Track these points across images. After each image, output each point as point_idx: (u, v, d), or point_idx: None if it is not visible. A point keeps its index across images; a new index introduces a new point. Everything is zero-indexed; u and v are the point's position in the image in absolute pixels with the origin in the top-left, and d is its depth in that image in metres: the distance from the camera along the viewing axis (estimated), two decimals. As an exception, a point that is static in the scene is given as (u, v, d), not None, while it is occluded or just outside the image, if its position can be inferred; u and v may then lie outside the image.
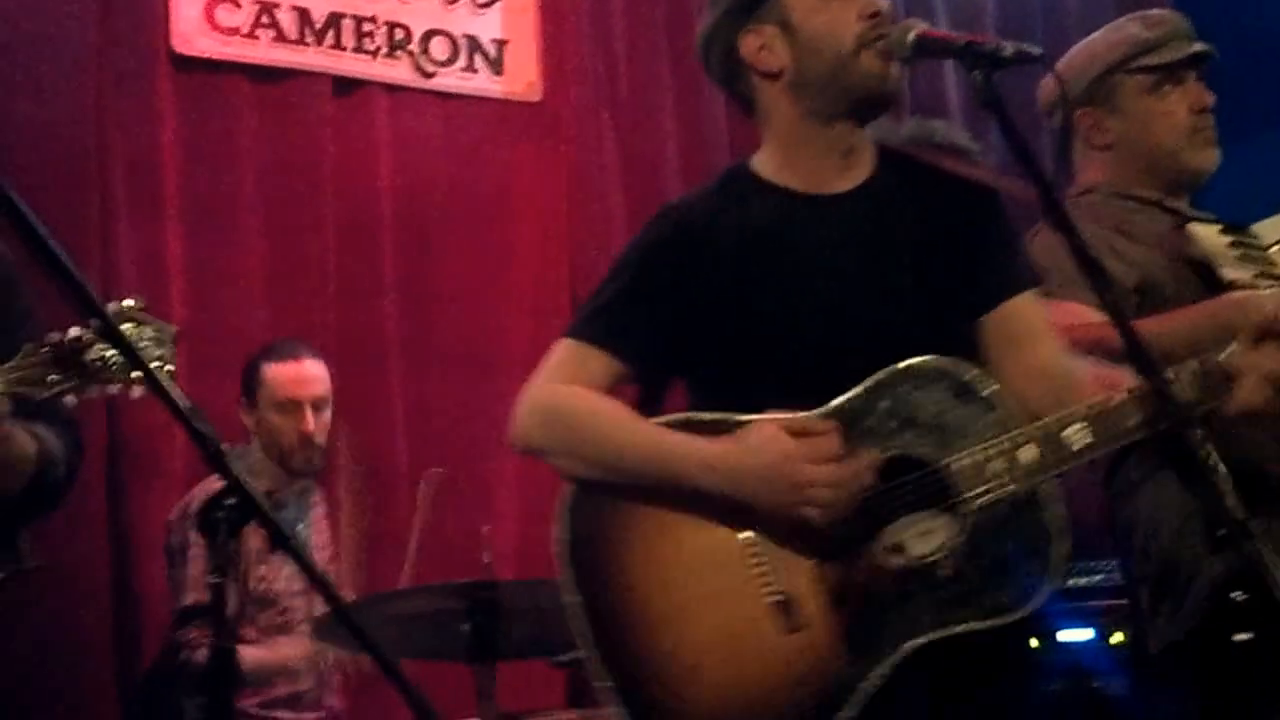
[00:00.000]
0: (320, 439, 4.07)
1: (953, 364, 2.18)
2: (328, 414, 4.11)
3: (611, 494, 2.22)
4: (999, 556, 2.11)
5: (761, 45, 2.31)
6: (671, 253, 2.30)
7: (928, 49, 2.20)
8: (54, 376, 2.14)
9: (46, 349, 2.15)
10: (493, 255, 4.96)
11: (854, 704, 2.09)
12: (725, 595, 2.15)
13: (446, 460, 4.76)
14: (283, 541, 2.01)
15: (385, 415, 4.63)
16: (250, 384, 4.08)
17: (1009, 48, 2.05)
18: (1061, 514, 2.13)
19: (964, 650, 2.12)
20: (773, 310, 2.25)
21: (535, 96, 5.06)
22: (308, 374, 4.09)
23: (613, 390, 2.28)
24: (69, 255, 1.70)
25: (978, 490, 2.12)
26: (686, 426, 2.21)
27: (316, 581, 2.13)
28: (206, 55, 4.57)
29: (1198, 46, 2.90)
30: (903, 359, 2.17)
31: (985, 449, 2.12)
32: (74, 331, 2.13)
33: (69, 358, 2.14)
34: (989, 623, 2.09)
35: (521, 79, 5.04)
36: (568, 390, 2.27)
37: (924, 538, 2.14)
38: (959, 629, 2.10)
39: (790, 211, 2.30)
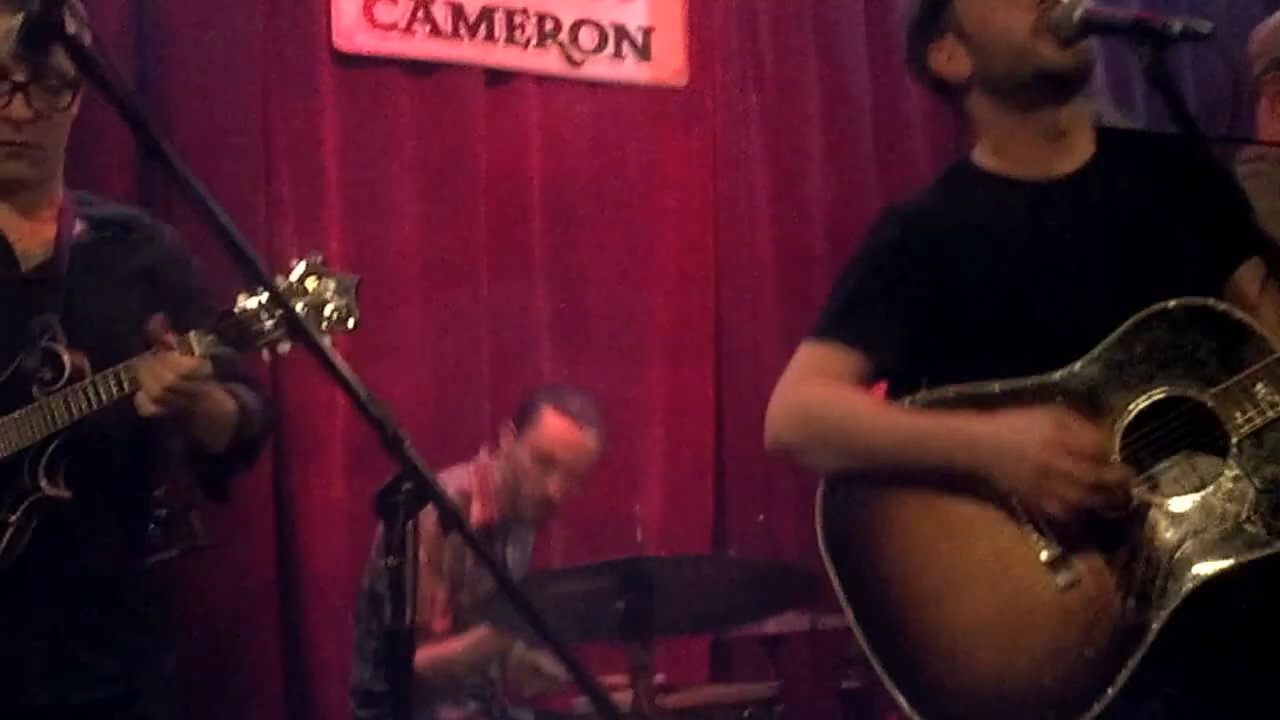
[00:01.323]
0: (558, 502, 3.99)
1: (1201, 301, 2.17)
2: (578, 485, 4.02)
3: (865, 481, 2.26)
4: (1272, 485, 2.09)
5: (947, 57, 2.35)
6: (900, 248, 2.33)
7: (1095, 27, 2.20)
8: (246, 333, 2.25)
9: (235, 309, 2.25)
10: (640, 238, 5.04)
11: (1142, 649, 2.08)
12: (996, 560, 2.17)
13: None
14: (455, 524, 2.07)
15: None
16: (525, 416, 3.98)
17: (1177, 24, 2.04)
18: None
19: (1252, 589, 2.10)
20: (1007, 297, 2.27)
21: (681, 81, 5.12)
22: (584, 445, 3.96)
23: (859, 387, 2.32)
24: (240, 232, 1.80)
25: (1243, 418, 2.09)
26: (933, 406, 2.25)
27: (488, 563, 2.20)
28: (365, 51, 4.71)
29: None
30: None
31: (1246, 376, 2.10)
32: (260, 292, 2.23)
33: (256, 315, 2.24)
34: (1264, 553, 2.07)
35: (668, 65, 5.11)
36: (816, 388, 2.32)
37: (1195, 475, 2.13)
38: (1236, 563, 2.07)
39: (1015, 199, 2.32)
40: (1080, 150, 2.34)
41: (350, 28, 4.69)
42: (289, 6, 4.62)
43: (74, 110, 2.48)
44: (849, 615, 2.23)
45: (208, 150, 4.35)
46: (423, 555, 3.71)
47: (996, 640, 2.15)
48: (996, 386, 2.22)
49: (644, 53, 5.09)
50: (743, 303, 5.09)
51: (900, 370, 2.35)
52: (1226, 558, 2.08)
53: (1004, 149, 2.35)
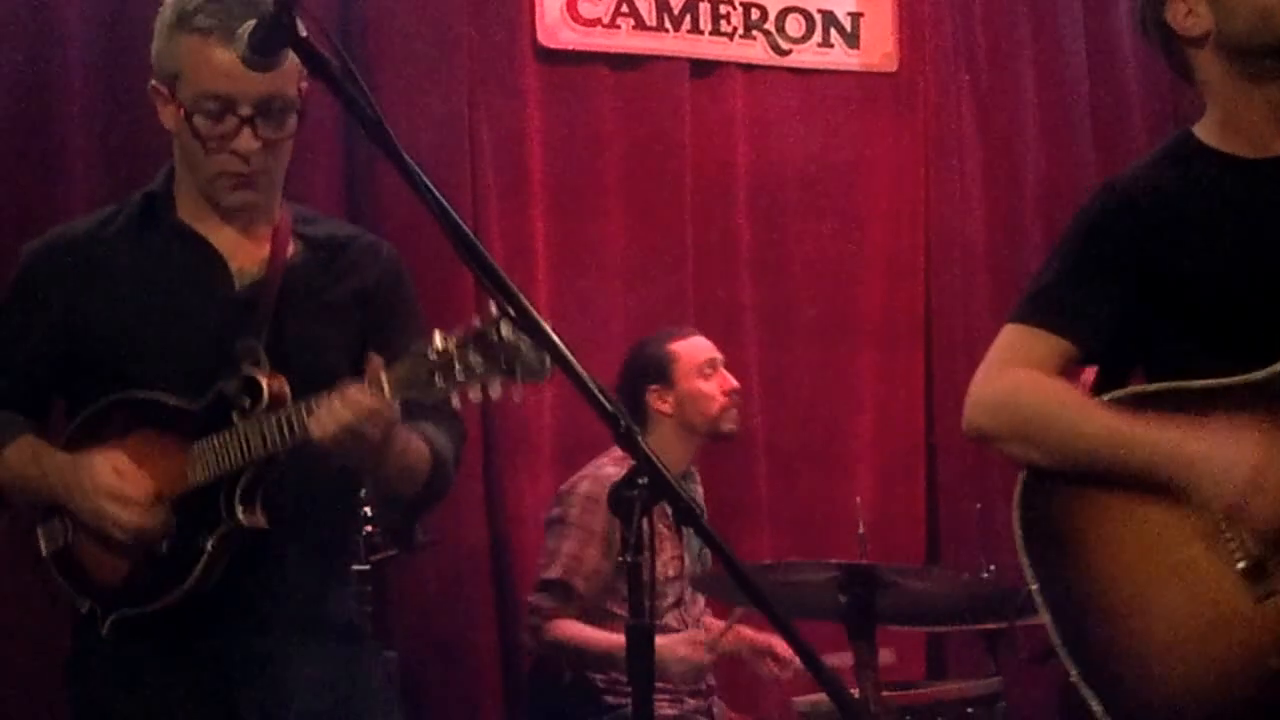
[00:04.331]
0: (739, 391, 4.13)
1: None
2: None
3: (1064, 476, 2.20)
4: None
5: (1187, 11, 2.25)
6: (1118, 227, 2.25)
7: None
8: (439, 377, 2.10)
9: (429, 351, 2.11)
10: (849, 226, 4.98)
11: None
12: (1191, 567, 2.11)
13: (803, 430, 4.84)
14: (691, 519, 2.03)
15: (742, 386, 4.67)
16: (660, 366, 4.07)
17: None
18: None
19: None
20: (1222, 283, 2.18)
21: (891, 67, 5.04)
22: (708, 342, 4.15)
23: (1063, 373, 2.26)
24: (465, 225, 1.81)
25: None
26: (1136, 402, 2.18)
27: (720, 552, 2.15)
28: (569, 47, 4.74)
29: None
30: None
31: None
32: (457, 333, 2.09)
33: (451, 360, 2.08)
34: None
35: (877, 50, 5.03)
36: (1015, 375, 2.25)
37: None
38: None
39: (1237, 179, 2.23)
40: None
41: (554, 24, 4.72)
42: (493, 5, 4.66)
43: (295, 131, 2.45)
44: (1046, 615, 2.17)
45: (413, 148, 4.31)
46: (576, 517, 3.84)
47: (1189, 650, 2.09)
48: (1198, 385, 2.14)
49: (852, 39, 5.01)
50: (954, 289, 5.01)
51: (1111, 355, 2.27)
52: None
53: (1230, 122, 2.24)
